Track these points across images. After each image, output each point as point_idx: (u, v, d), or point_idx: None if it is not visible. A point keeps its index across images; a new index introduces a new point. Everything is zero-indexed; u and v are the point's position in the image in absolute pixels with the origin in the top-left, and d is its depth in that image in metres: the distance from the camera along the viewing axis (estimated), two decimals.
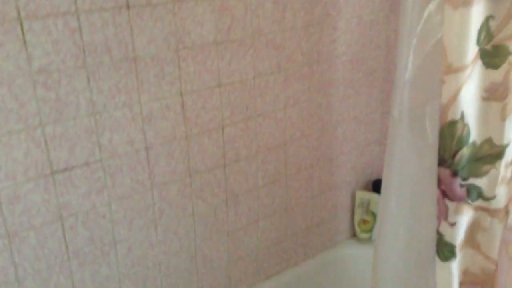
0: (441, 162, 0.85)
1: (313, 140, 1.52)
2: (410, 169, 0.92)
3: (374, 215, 1.65)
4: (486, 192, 0.83)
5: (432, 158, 0.86)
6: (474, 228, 0.87)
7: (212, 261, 1.40)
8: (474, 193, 0.84)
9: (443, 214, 0.88)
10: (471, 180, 0.83)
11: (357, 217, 1.68)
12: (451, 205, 0.86)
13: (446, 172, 0.84)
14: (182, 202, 1.29)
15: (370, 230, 1.66)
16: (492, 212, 0.85)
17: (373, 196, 1.64)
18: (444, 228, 0.88)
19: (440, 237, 0.89)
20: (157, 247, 1.28)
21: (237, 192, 1.39)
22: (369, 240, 1.68)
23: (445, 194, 0.86)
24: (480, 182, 0.83)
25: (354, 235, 1.74)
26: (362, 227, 1.68)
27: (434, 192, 0.88)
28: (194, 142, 1.27)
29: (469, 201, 0.85)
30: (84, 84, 1.07)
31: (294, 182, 1.52)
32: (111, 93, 1.11)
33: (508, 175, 0.83)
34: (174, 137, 1.23)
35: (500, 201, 0.84)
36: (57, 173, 1.08)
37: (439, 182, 0.87)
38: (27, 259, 1.09)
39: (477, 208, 0.86)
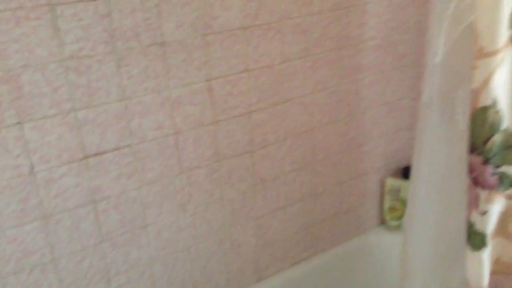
0: (472, 149, 0.83)
1: (341, 126, 1.50)
2: (440, 156, 0.90)
3: (403, 202, 1.63)
4: None
5: (462, 145, 0.84)
6: (506, 217, 0.85)
7: (240, 245, 1.42)
8: (506, 181, 0.82)
9: (474, 203, 0.86)
10: (503, 168, 0.81)
11: (386, 204, 1.66)
12: (482, 193, 0.84)
13: (477, 160, 0.82)
14: (210, 187, 1.31)
15: (400, 218, 1.65)
16: None
17: (403, 183, 1.62)
18: (475, 216, 0.86)
19: (470, 226, 0.87)
20: (186, 230, 1.30)
21: (265, 178, 1.40)
22: (398, 228, 1.67)
23: (476, 182, 0.84)
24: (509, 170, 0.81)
25: (383, 222, 1.72)
26: (392, 214, 1.66)
27: (465, 180, 0.86)
28: (221, 127, 1.28)
29: (501, 190, 0.83)
30: (114, 69, 1.09)
31: (322, 168, 1.51)
32: (140, 78, 1.13)
33: None
34: (202, 122, 1.24)
35: None
36: (89, 158, 1.11)
37: (470, 169, 0.85)
38: (62, 240, 1.12)
39: (510, 197, 0.84)
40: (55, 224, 1.11)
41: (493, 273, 0.89)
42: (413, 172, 0.98)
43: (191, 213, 1.30)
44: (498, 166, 0.82)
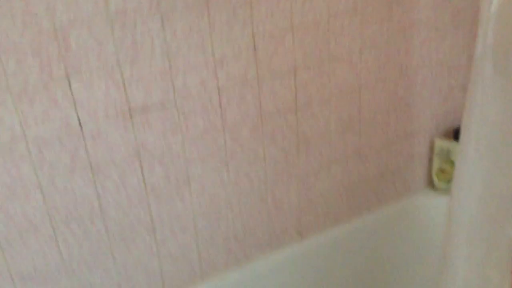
0: None
1: (390, 85, 1.45)
2: (491, 112, 0.85)
3: (453, 164, 1.57)
4: None
5: None
6: None
7: (282, 204, 1.42)
8: None
9: None
10: None
11: (435, 166, 1.61)
12: None
13: None
14: (253, 145, 1.31)
15: (449, 181, 1.59)
16: None
17: (454, 145, 1.56)
18: None
19: None
20: (228, 187, 1.32)
21: (309, 137, 1.39)
22: (446, 191, 1.61)
23: None
24: None
25: (430, 184, 1.68)
26: (440, 176, 1.61)
27: None
28: (265, 85, 1.27)
29: None
30: (159, 26, 1.09)
31: (369, 128, 1.47)
32: (184, 35, 1.13)
33: None
34: (246, 80, 1.23)
35: None
36: (134, 113, 1.13)
37: None
38: (110, 193, 1.17)
39: None
40: (103, 177, 1.15)
41: None
42: (463, 129, 0.94)
43: (234, 170, 1.31)
44: None
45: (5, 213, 1.07)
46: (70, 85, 1.04)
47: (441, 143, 1.58)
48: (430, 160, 1.64)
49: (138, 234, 1.24)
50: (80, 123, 1.08)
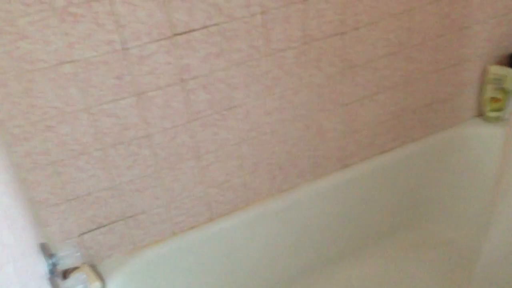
0: None
1: (443, 6, 1.37)
2: None
3: (507, 92, 1.49)
4: None
5: None
6: None
7: (326, 131, 1.40)
8: None
9: None
10: None
11: (487, 94, 1.54)
12: None
13: None
14: (298, 70, 1.27)
15: (501, 109, 1.52)
16: None
17: (509, 71, 1.47)
18: None
19: None
20: (272, 114, 1.30)
21: (356, 62, 1.34)
22: (498, 120, 1.55)
23: None
24: None
25: (481, 113, 1.61)
26: (493, 105, 1.54)
27: None
28: (311, 7, 1.21)
29: None
30: None
31: (418, 53, 1.41)
32: None
33: None
34: (291, 1, 1.18)
35: None
36: (177, 36, 1.11)
37: None
38: (155, 117, 1.17)
39: None
40: (148, 101, 1.15)
41: None
42: None
43: (278, 96, 1.29)
44: None
45: (58, 135, 1.09)
46: (113, 6, 1.02)
47: (495, 70, 1.50)
48: (482, 88, 1.56)
49: (184, 159, 1.25)
50: (124, 45, 1.07)
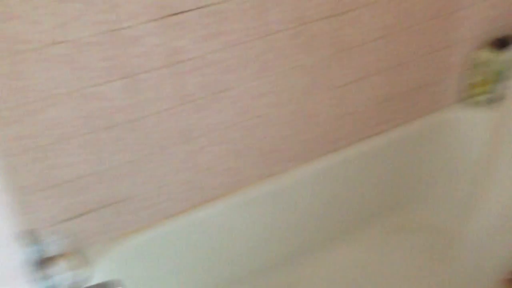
0: None
1: None
2: None
3: (494, 75, 1.51)
4: None
5: None
6: None
7: (317, 115, 1.40)
8: None
9: None
10: None
11: (475, 78, 1.55)
12: None
13: None
14: (291, 52, 1.26)
15: (487, 93, 1.54)
16: None
17: (496, 55, 1.49)
18: None
19: None
20: (266, 96, 1.29)
21: (347, 45, 1.33)
22: (484, 103, 1.57)
23: None
24: None
25: (467, 97, 1.62)
26: (479, 89, 1.55)
27: None
28: None
29: None
30: None
31: (409, 36, 1.41)
32: None
33: None
34: None
35: None
36: (170, 17, 1.07)
37: None
38: (147, 100, 1.14)
39: None
40: (140, 83, 1.11)
41: None
42: None
43: (271, 79, 1.27)
44: None
45: (47, 117, 1.05)
46: None
47: (482, 54, 1.51)
48: (469, 72, 1.58)
49: (177, 143, 1.22)
50: (115, 27, 1.03)
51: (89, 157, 1.13)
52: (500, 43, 1.50)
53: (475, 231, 1.09)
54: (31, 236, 0.94)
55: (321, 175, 1.47)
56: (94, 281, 0.88)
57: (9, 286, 0.56)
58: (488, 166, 1.05)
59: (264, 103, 1.29)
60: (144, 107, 1.14)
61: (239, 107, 1.26)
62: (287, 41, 1.23)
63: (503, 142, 0.99)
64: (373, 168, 1.56)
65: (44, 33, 0.96)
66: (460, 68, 1.56)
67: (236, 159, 1.34)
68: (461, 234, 1.12)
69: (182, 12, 1.08)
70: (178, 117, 1.20)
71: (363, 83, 1.41)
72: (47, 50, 0.98)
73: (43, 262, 0.98)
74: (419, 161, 1.63)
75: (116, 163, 1.18)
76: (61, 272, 0.98)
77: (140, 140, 1.18)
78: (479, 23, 1.50)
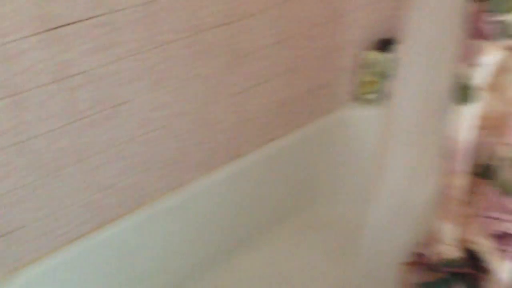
0: None
1: None
2: (433, 5, 0.86)
3: (381, 75, 1.61)
4: None
5: None
6: (499, 70, 0.84)
7: (218, 123, 1.39)
8: (504, 30, 0.79)
9: (465, 55, 0.83)
10: (503, 16, 0.78)
11: (363, 78, 1.65)
12: (476, 44, 0.81)
13: (476, 7, 0.78)
14: (187, 62, 1.24)
15: (377, 91, 1.64)
16: None
17: (381, 56, 1.59)
18: (463, 69, 0.84)
19: (457, 78, 0.85)
20: (163, 108, 1.26)
21: (243, 52, 1.34)
22: (373, 102, 1.67)
23: (471, 31, 0.81)
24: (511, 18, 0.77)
25: (361, 95, 1.71)
26: (369, 87, 1.65)
27: (458, 29, 0.82)
28: None
29: (498, 40, 0.80)
30: None
31: (302, 41, 1.46)
32: None
33: None
34: None
35: None
36: (55, 30, 1.01)
37: (465, 18, 0.81)
38: (35, 119, 1.06)
39: (506, 48, 0.81)
40: (26, 102, 1.03)
41: (482, 128, 0.90)
42: (404, 36, 0.94)
43: (169, 90, 1.24)
44: (495, 14, 0.78)
45: None
46: None
47: (369, 55, 1.61)
48: (358, 73, 1.67)
49: (66, 165, 1.15)
50: None
51: None
52: (383, 44, 1.60)
53: (373, 222, 1.15)
54: None
55: (226, 182, 1.47)
56: None
57: None
58: (380, 159, 1.11)
59: (164, 114, 1.26)
60: (32, 127, 1.06)
61: (138, 120, 1.22)
62: (182, 50, 1.21)
63: (390, 136, 1.06)
64: (278, 170, 1.58)
65: None
66: (351, 69, 1.65)
67: (139, 173, 1.29)
68: (362, 226, 1.17)
69: (69, 24, 1.02)
70: (72, 135, 1.13)
71: (262, 89, 1.44)
72: None
73: None
74: (321, 160, 1.69)
75: (4, 190, 1.08)
76: None
77: (30, 163, 1.09)
78: (365, 26, 1.59)
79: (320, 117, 1.65)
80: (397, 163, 1.07)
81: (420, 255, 1.13)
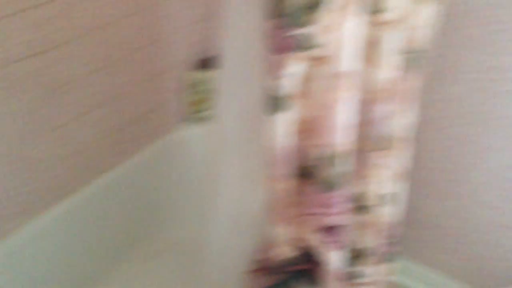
0: (269, 13, 0.85)
1: (139, 19, 1.41)
2: (240, 25, 0.92)
3: (207, 93, 1.66)
4: (314, 41, 0.87)
5: (259, 10, 0.86)
6: (305, 79, 0.92)
7: (42, 160, 1.29)
8: (303, 42, 0.87)
9: (271, 68, 0.90)
10: (299, 30, 0.85)
11: (190, 98, 1.67)
12: (279, 57, 0.88)
13: (273, 23, 0.85)
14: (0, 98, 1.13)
15: (206, 109, 1.68)
16: (321, 60, 0.90)
17: (205, 74, 1.63)
18: (271, 81, 0.90)
19: (267, 90, 0.91)
20: None
21: (61, 82, 1.26)
22: (207, 119, 1.70)
23: (272, 46, 0.88)
24: (308, 30, 0.85)
25: (192, 115, 1.74)
26: (199, 106, 1.68)
27: (261, 45, 0.89)
28: (1, 27, 1.09)
29: (298, 52, 0.88)
30: None
31: (123, 67, 1.43)
32: None
33: (336, 22, 0.86)
34: None
35: (327, 49, 0.88)
36: None
37: (267, 34, 0.87)
38: None
39: (306, 58, 0.90)
40: None
41: (300, 132, 0.98)
42: (222, 56, 0.99)
43: None
44: (294, 28, 0.86)
45: None
46: None
47: (193, 75, 1.64)
48: (186, 93, 1.69)
49: None
50: None
51: None
52: (207, 63, 1.65)
53: (214, 236, 1.17)
54: None
55: (58, 223, 1.36)
56: None
57: None
58: (214, 174, 1.14)
59: None
60: None
61: None
62: None
63: (220, 150, 1.09)
64: (118, 201, 1.52)
65: None
66: (179, 90, 1.67)
67: None
68: (204, 243, 1.19)
69: None
70: None
71: (87, 119, 1.37)
72: None
73: None
74: (163, 184, 1.67)
75: None
76: None
77: None
78: (185, 47, 1.62)
79: (154, 141, 1.63)
80: (229, 175, 1.11)
81: (261, 261, 1.18)
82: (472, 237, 1.51)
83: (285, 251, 1.14)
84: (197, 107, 1.69)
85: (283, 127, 0.95)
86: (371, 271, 1.23)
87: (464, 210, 1.49)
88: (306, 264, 1.15)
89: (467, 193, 1.46)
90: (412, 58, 0.98)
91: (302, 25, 0.85)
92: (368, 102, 1.00)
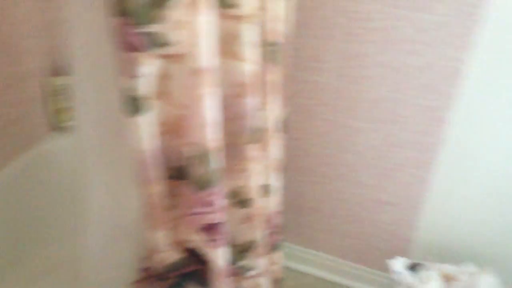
0: (114, 11, 0.80)
1: None
2: (84, 25, 0.86)
3: (69, 101, 1.56)
4: (166, 38, 0.83)
5: (102, 7, 0.81)
6: (161, 77, 0.89)
7: None
8: (154, 41, 0.83)
9: (124, 68, 0.85)
10: (149, 28, 0.82)
11: (54, 106, 1.55)
12: (130, 57, 0.83)
13: (120, 21, 0.80)
14: None
15: (69, 118, 1.58)
16: (177, 57, 0.86)
17: (64, 81, 1.53)
18: (126, 81, 0.85)
19: (124, 91, 0.86)
20: None
21: None
22: (70, 128, 1.60)
23: (122, 45, 0.83)
24: (158, 28, 0.82)
25: (59, 124, 1.62)
26: (63, 115, 1.57)
27: (111, 44, 0.84)
28: None
29: (150, 50, 0.84)
30: None
31: None
32: None
33: (187, 18, 0.83)
34: None
35: (181, 46, 0.85)
36: None
37: (115, 33, 0.82)
38: None
39: (163, 57, 0.86)
40: None
41: (162, 133, 0.94)
42: (72, 54, 0.92)
43: None
44: (142, 26, 0.81)
45: None
46: None
47: (54, 81, 1.53)
48: (49, 101, 1.58)
49: None
50: None
51: None
52: (62, 70, 1.54)
53: (91, 250, 1.10)
54: None
55: None
56: None
57: None
58: (83, 188, 1.07)
59: None
60: None
61: None
62: None
63: (87, 159, 1.02)
64: None
65: None
66: (41, 98, 1.54)
67: None
68: (82, 258, 1.11)
69: None
70: None
71: None
72: None
73: None
74: (37, 199, 1.55)
75: None
76: None
77: None
78: (43, 52, 1.50)
79: (21, 154, 1.50)
80: (98, 184, 1.04)
81: (146, 269, 1.13)
82: (352, 215, 1.60)
83: (170, 255, 1.10)
84: (64, 115, 1.57)
85: (146, 129, 0.90)
86: (259, 262, 1.24)
87: (343, 191, 1.56)
88: (195, 265, 1.13)
89: (344, 174, 1.53)
90: (270, 51, 0.99)
91: (149, 22, 0.81)
92: (235, 96, 1.00)
